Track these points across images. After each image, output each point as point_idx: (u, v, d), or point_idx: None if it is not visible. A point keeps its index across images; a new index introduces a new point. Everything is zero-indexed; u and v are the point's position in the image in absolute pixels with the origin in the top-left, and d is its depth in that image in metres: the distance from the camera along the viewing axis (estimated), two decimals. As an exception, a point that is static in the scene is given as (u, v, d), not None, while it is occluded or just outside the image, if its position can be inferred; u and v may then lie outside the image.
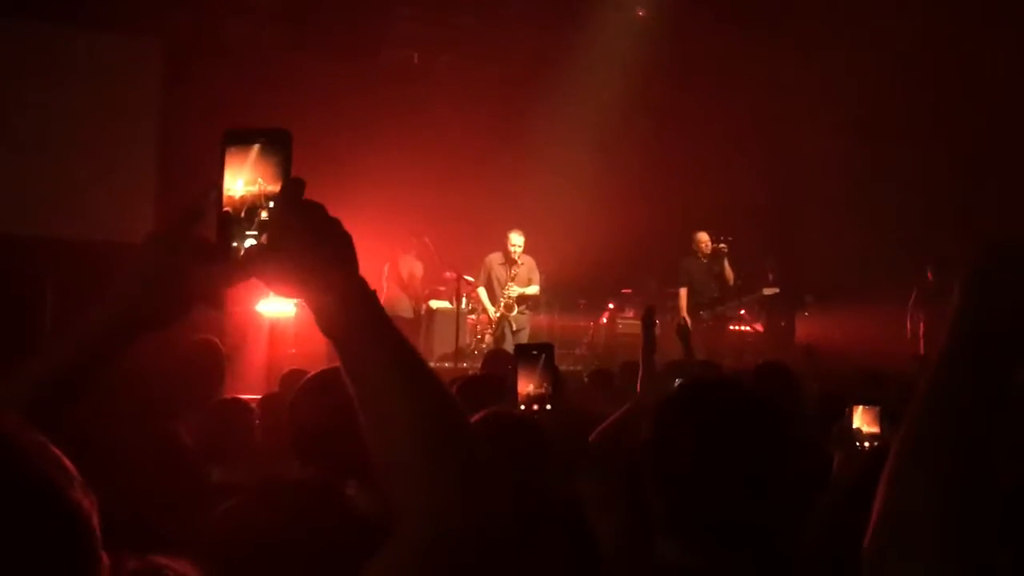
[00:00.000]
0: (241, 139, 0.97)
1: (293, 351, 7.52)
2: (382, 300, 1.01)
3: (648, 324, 3.39)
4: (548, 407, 2.35)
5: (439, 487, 0.90)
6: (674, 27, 9.89)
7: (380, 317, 0.95)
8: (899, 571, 0.88)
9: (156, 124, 8.80)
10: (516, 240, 8.66)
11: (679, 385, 1.61)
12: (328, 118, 9.01)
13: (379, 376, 0.93)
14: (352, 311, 0.93)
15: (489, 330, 8.82)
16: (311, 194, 0.95)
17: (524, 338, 8.83)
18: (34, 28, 8.28)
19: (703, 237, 9.27)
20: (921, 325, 9.43)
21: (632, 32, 10.02)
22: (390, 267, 8.96)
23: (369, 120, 9.33)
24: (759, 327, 9.13)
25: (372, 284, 0.97)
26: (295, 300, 0.98)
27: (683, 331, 4.62)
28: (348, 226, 0.96)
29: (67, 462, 0.75)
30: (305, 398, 2.03)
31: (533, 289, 8.81)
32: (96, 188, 8.40)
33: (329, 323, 0.94)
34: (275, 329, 7.94)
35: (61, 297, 7.10)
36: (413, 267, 9.09)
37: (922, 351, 9.11)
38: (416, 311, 9.02)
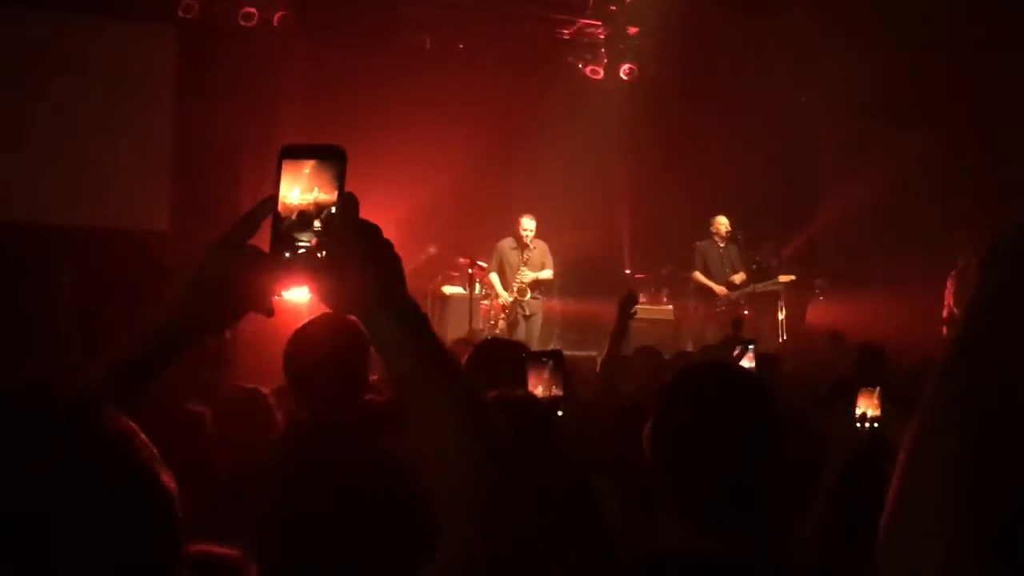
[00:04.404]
0: (297, 154, 1.01)
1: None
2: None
3: (625, 309, 3.38)
4: (560, 413, 2.32)
5: (471, 476, 0.96)
6: (692, 13, 9.82)
7: (430, 337, 1.01)
8: (914, 544, 0.88)
9: (170, 110, 8.84)
10: (528, 225, 8.65)
11: (680, 369, 1.63)
12: (340, 103, 9.03)
13: (425, 389, 0.99)
14: (405, 331, 0.99)
15: (502, 315, 8.82)
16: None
17: (537, 324, 8.84)
18: (47, 17, 8.33)
19: (722, 221, 9.22)
20: (945, 311, 9.41)
21: (650, 16, 9.95)
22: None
23: (381, 105, 9.32)
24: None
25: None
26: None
27: (737, 323, 4.58)
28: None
29: (155, 450, 0.80)
30: (298, 346, 2.29)
31: (547, 274, 8.80)
32: (111, 175, 8.46)
33: (380, 339, 1.00)
34: (290, 317, 7.97)
35: (77, 284, 7.16)
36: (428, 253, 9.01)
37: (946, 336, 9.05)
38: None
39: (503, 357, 2.56)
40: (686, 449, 1.45)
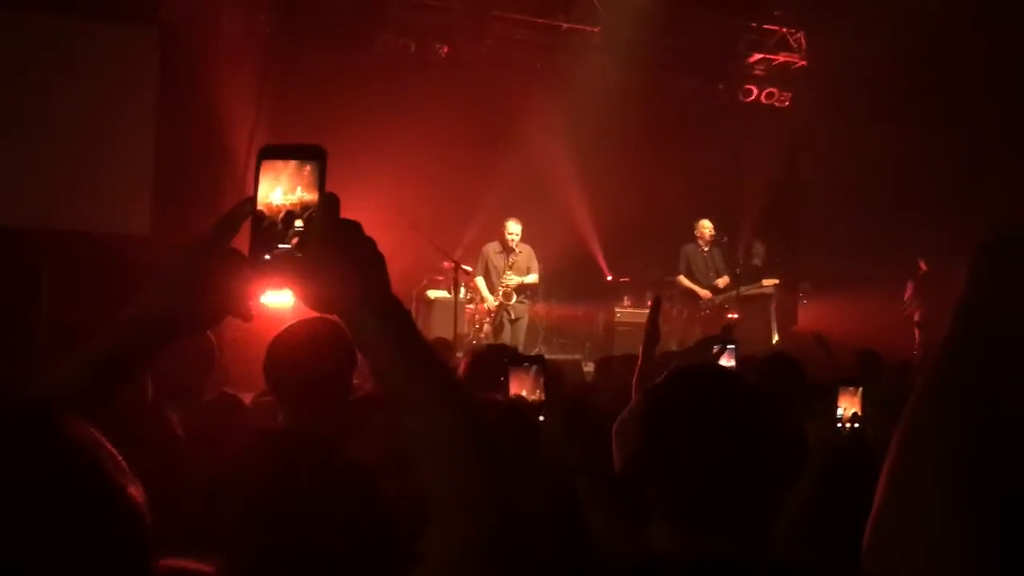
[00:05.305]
0: (277, 154, 0.99)
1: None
2: None
3: (654, 314, 3.34)
4: (541, 418, 2.25)
5: (460, 472, 0.95)
6: (675, 14, 9.86)
7: (415, 335, 0.99)
8: (903, 542, 0.87)
9: (152, 113, 8.78)
10: (513, 228, 8.64)
11: (670, 372, 1.61)
12: (324, 106, 8.99)
13: (411, 387, 0.97)
14: (388, 329, 0.97)
15: (487, 319, 8.80)
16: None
17: (522, 328, 8.83)
18: (30, 18, 8.25)
19: (706, 224, 9.26)
20: (917, 314, 9.53)
21: (633, 19, 9.99)
22: None
23: (365, 109, 9.30)
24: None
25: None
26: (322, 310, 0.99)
27: (727, 328, 4.50)
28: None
29: (122, 460, 0.76)
30: (278, 351, 2.21)
31: (532, 278, 8.79)
32: (92, 178, 8.39)
33: (364, 338, 0.97)
34: (274, 321, 7.92)
35: (56, 287, 7.08)
36: None
37: (917, 340, 9.21)
38: None
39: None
40: (676, 453, 1.42)
